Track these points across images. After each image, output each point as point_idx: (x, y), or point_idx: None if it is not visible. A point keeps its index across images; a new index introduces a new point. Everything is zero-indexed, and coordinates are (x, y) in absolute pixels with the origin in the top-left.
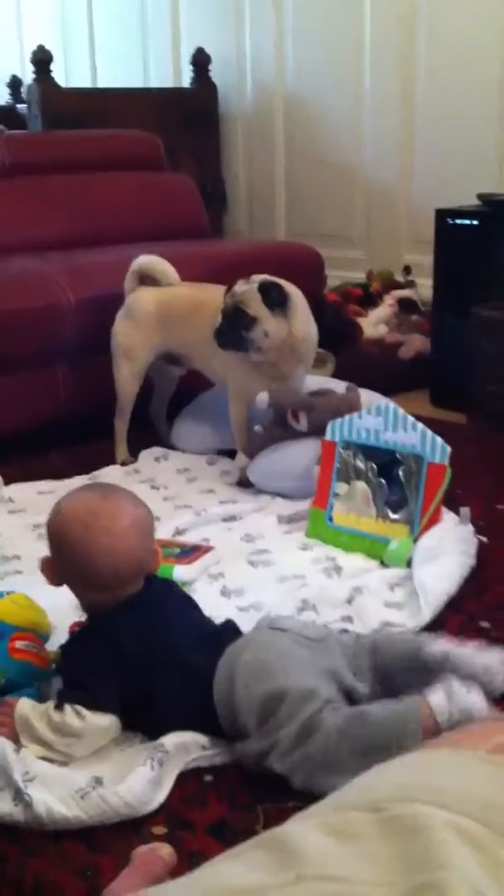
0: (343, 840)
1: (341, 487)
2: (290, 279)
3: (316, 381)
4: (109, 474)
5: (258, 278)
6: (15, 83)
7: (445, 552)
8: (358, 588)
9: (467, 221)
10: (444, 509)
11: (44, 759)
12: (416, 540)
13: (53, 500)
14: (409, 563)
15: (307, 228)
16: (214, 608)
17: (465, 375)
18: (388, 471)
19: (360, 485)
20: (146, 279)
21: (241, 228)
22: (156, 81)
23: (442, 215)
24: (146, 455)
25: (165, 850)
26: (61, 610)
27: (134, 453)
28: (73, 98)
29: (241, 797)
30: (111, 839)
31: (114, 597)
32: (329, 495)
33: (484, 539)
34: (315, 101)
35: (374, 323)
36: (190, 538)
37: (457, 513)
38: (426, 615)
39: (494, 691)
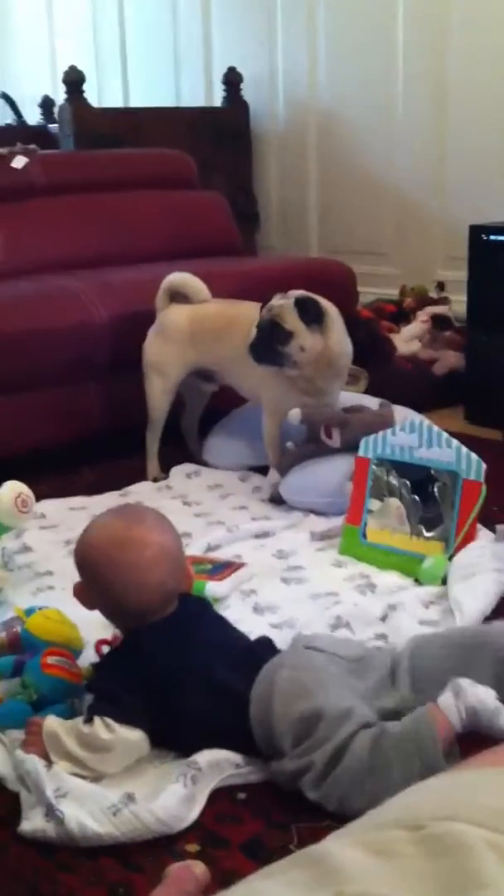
0: (382, 858)
1: (375, 504)
2: (323, 295)
3: (349, 398)
4: (141, 490)
5: (295, 293)
6: (47, 103)
7: (481, 570)
8: (392, 605)
9: (502, 237)
10: (479, 527)
11: (75, 775)
12: (451, 557)
13: (85, 515)
14: (444, 581)
15: (340, 245)
16: (247, 625)
17: (500, 392)
18: (422, 488)
19: (394, 501)
20: (178, 296)
21: (273, 245)
22: (187, 101)
23: (476, 231)
24: (178, 471)
25: (199, 868)
26: (93, 625)
27: (166, 469)
28: (105, 118)
29: (275, 815)
30: (144, 856)
31: (145, 621)
32: (362, 512)
33: None
34: (347, 118)
35: (408, 339)
36: (222, 554)
37: (492, 530)
38: None
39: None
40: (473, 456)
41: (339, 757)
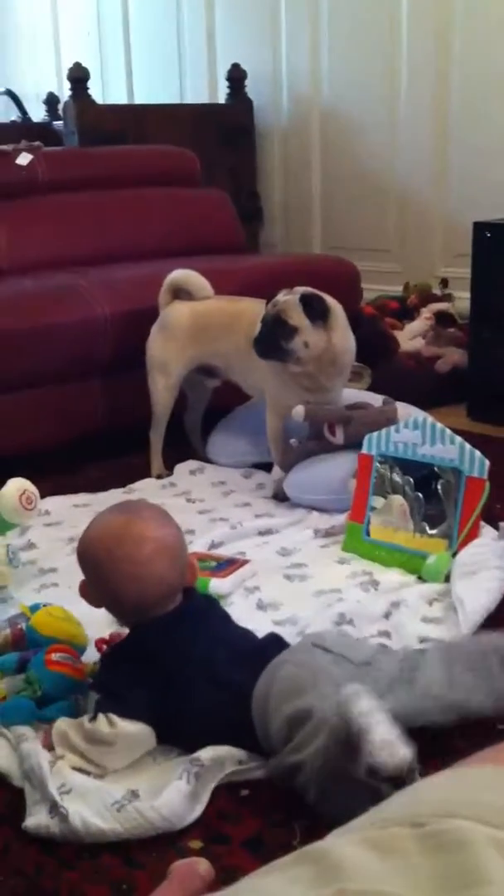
0: (384, 855)
1: (378, 501)
2: (326, 292)
3: (352, 395)
4: (145, 488)
5: (301, 290)
6: (52, 100)
7: (484, 567)
8: (395, 603)
9: None
10: (482, 524)
11: (79, 770)
12: (454, 555)
13: (89, 512)
14: (447, 579)
15: (343, 242)
16: (250, 622)
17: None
18: (426, 485)
19: (397, 499)
20: (181, 293)
21: (276, 242)
22: (191, 97)
23: (480, 228)
24: (182, 468)
25: (203, 866)
26: (97, 622)
27: (169, 466)
28: (110, 114)
29: (278, 812)
30: (147, 853)
31: (148, 616)
32: (366, 509)
33: None
34: (350, 116)
35: (411, 336)
36: (225, 552)
37: (496, 527)
38: (464, 631)
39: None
40: (477, 453)
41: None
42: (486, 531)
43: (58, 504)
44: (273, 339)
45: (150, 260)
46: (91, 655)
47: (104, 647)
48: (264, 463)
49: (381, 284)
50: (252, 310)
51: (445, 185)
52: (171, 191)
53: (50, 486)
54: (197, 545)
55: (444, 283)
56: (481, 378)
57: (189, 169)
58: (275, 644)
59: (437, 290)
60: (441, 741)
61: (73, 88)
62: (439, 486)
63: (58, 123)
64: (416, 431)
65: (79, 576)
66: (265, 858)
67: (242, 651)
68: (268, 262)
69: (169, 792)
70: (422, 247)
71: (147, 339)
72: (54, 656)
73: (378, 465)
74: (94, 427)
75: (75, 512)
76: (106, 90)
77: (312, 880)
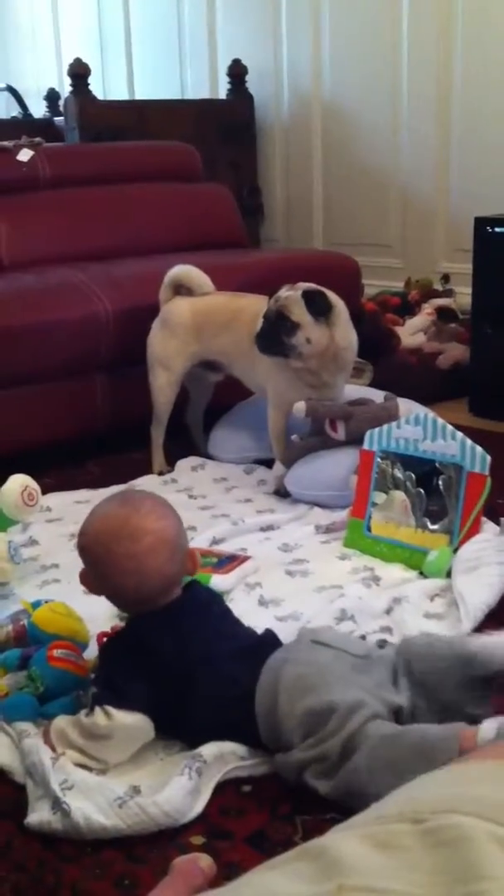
0: (385, 851)
1: (379, 497)
2: (328, 288)
3: (354, 391)
4: (146, 484)
5: (303, 285)
6: (52, 96)
7: (485, 563)
8: (397, 599)
9: None
10: (484, 519)
11: (80, 766)
12: (455, 550)
13: (91, 509)
14: (448, 574)
15: (344, 237)
16: (252, 618)
17: None
18: (427, 480)
19: (399, 494)
20: (181, 289)
21: (277, 238)
22: (192, 93)
23: (481, 223)
24: (183, 464)
25: (205, 861)
26: (99, 618)
27: (171, 462)
28: (111, 110)
29: (280, 808)
30: (149, 849)
31: (147, 607)
32: (367, 505)
33: None
34: (352, 111)
35: (412, 332)
36: (227, 548)
37: (497, 523)
38: (466, 626)
39: None
40: (478, 449)
41: (352, 746)
42: (488, 526)
43: (59, 500)
44: (275, 335)
45: (152, 256)
46: (93, 651)
47: (104, 640)
48: (266, 459)
49: (382, 280)
50: (254, 306)
51: (447, 180)
52: (172, 187)
53: (52, 482)
54: (198, 541)
55: (446, 278)
56: (483, 374)
57: (190, 165)
58: (271, 641)
59: (438, 286)
60: None
61: (73, 84)
62: (440, 482)
63: (59, 119)
64: (418, 427)
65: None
66: (267, 854)
67: (242, 646)
68: (269, 258)
69: (171, 788)
70: (423, 242)
71: (148, 335)
72: (56, 653)
73: (379, 460)
74: (95, 423)
75: (77, 508)
76: (107, 86)
77: (313, 876)
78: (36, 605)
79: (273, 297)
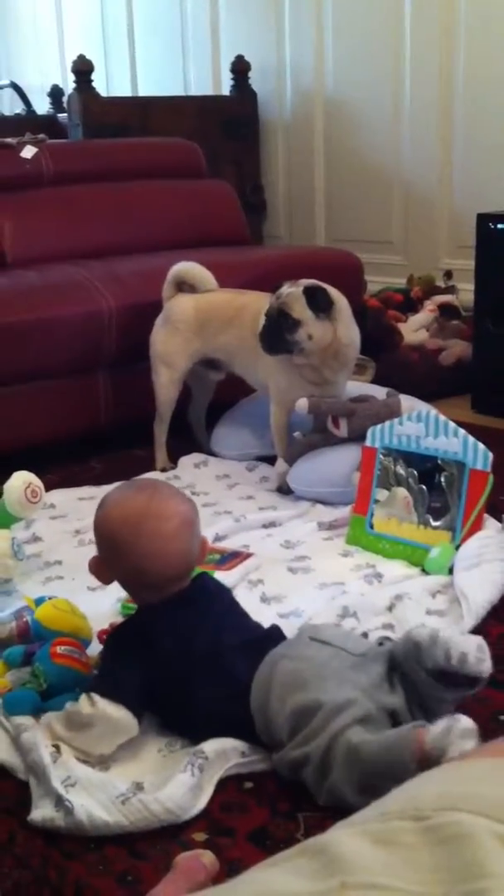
0: (387, 848)
1: (382, 494)
2: (330, 285)
3: (356, 388)
4: (156, 479)
5: (305, 282)
6: (56, 93)
7: (487, 560)
8: (399, 595)
9: None
10: (486, 516)
11: (80, 759)
12: (457, 547)
13: (94, 505)
14: (450, 571)
15: (347, 234)
16: (254, 615)
17: None
18: (430, 477)
19: (401, 491)
20: (184, 286)
21: (280, 235)
22: (196, 90)
23: (484, 219)
24: (186, 461)
25: (207, 858)
26: (103, 615)
27: (174, 459)
28: (114, 107)
29: (282, 804)
30: (152, 845)
31: (160, 595)
32: (369, 502)
33: None
34: (355, 107)
35: (415, 328)
36: (229, 544)
37: (499, 520)
38: (468, 623)
39: (468, 673)
40: (480, 445)
41: (332, 751)
42: (490, 523)
43: (63, 497)
44: (277, 333)
45: (155, 253)
46: (96, 648)
47: (105, 637)
48: (268, 456)
49: (385, 277)
50: (257, 303)
51: (450, 177)
52: (175, 183)
53: (55, 479)
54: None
55: (448, 275)
56: (485, 370)
57: (193, 161)
58: (276, 637)
59: (440, 283)
60: None
61: (77, 81)
62: (443, 479)
63: (62, 116)
64: (420, 424)
65: (83, 569)
66: (269, 851)
67: (247, 641)
68: (272, 255)
69: (173, 784)
70: (426, 239)
71: (151, 332)
72: (59, 649)
73: (382, 457)
74: (98, 420)
75: (80, 505)
76: (110, 83)
77: (315, 873)
78: (39, 601)
79: (275, 294)
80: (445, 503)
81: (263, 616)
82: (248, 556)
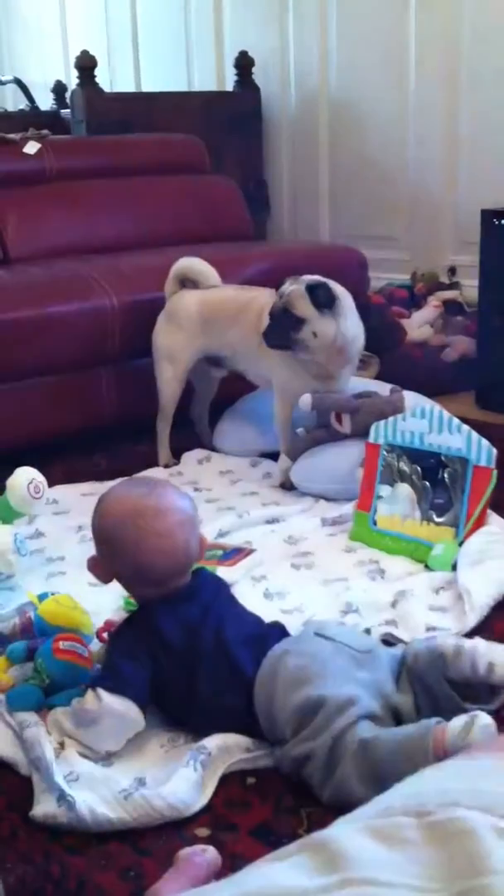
0: (388, 844)
1: (385, 490)
2: (334, 281)
3: (360, 384)
4: (152, 476)
5: (307, 278)
6: (59, 88)
7: (491, 556)
8: (402, 592)
9: None
10: (490, 512)
11: (82, 754)
12: (461, 543)
13: (97, 501)
14: (454, 567)
15: (351, 230)
16: (257, 610)
17: None
18: (433, 473)
19: (405, 487)
20: (187, 282)
21: (284, 230)
22: (199, 85)
23: (488, 215)
24: (189, 457)
25: (210, 853)
26: (105, 611)
27: (177, 455)
28: (117, 102)
29: (285, 800)
30: (154, 840)
31: (161, 591)
32: (373, 498)
33: None
34: (359, 103)
35: (419, 325)
36: (232, 540)
37: (503, 516)
38: (471, 619)
39: (496, 683)
40: (484, 442)
41: (338, 747)
42: (494, 519)
43: (66, 493)
44: (282, 331)
45: (158, 248)
46: (98, 644)
47: (104, 635)
48: (271, 452)
49: (389, 273)
50: (260, 299)
51: (454, 172)
52: (178, 179)
53: (58, 475)
54: (204, 534)
55: (452, 271)
56: (489, 366)
57: (197, 157)
58: (278, 632)
59: (444, 279)
60: None
61: (80, 77)
62: (446, 475)
63: (65, 112)
64: (424, 420)
65: (86, 564)
66: (272, 846)
67: (249, 633)
68: (275, 251)
69: (176, 780)
70: (430, 235)
71: (154, 328)
72: (62, 645)
73: (385, 453)
74: (102, 416)
75: (83, 501)
76: (114, 78)
77: (317, 868)
78: (42, 597)
79: (278, 291)
80: (449, 499)
81: (266, 612)
82: (251, 552)
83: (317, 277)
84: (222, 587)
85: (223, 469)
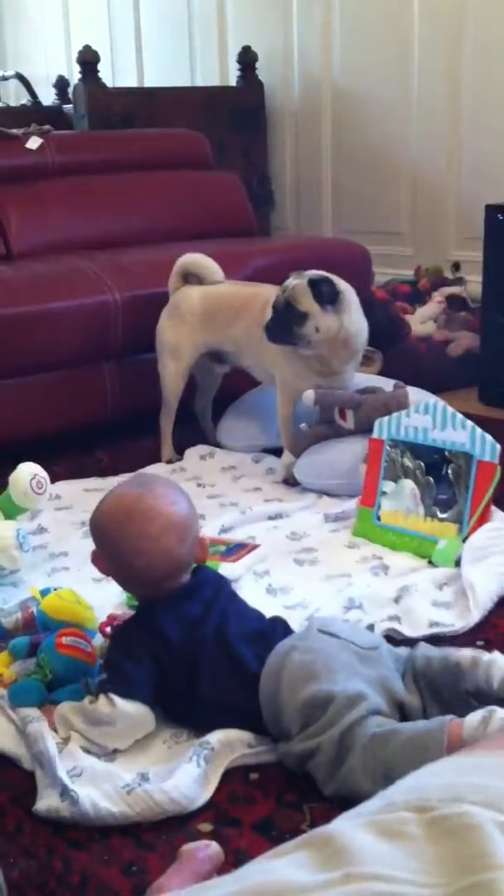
0: (391, 839)
1: (389, 486)
2: (338, 276)
3: (363, 379)
4: (155, 472)
5: (310, 273)
6: (62, 84)
7: (495, 552)
8: (406, 587)
9: None
10: (493, 508)
11: (85, 749)
12: (465, 539)
13: (100, 497)
14: (457, 563)
15: (354, 225)
16: (260, 606)
17: None
18: (437, 469)
19: (408, 483)
20: (191, 277)
21: (287, 225)
22: (202, 80)
23: (492, 211)
24: (192, 453)
25: (213, 848)
26: (108, 605)
27: (180, 451)
28: (120, 98)
29: (288, 795)
30: (157, 835)
31: (156, 591)
32: (376, 494)
33: None
34: (362, 98)
35: (422, 320)
36: (235, 536)
37: None
38: (475, 615)
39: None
40: (488, 437)
41: (346, 742)
42: (498, 515)
43: (68, 488)
44: (284, 326)
45: (161, 244)
46: (101, 638)
47: (107, 629)
48: (274, 447)
49: (393, 268)
50: (264, 295)
51: (458, 168)
52: (181, 174)
53: (61, 470)
54: (207, 530)
55: (456, 266)
56: (493, 362)
57: (200, 152)
58: (281, 628)
59: (448, 274)
60: None
61: (83, 72)
62: (450, 471)
63: (68, 107)
64: (427, 416)
65: (89, 560)
66: (275, 841)
67: (252, 629)
68: (279, 246)
69: (179, 775)
70: (434, 230)
71: (157, 323)
72: (65, 640)
73: (389, 449)
74: (105, 412)
75: (86, 496)
76: (116, 73)
77: (320, 864)
78: (45, 592)
79: (282, 286)
80: (453, 495)
81: (269, 608)
82: (255, 547)
83: (320, 272)
84: (224, 584)
85: (226, 465)
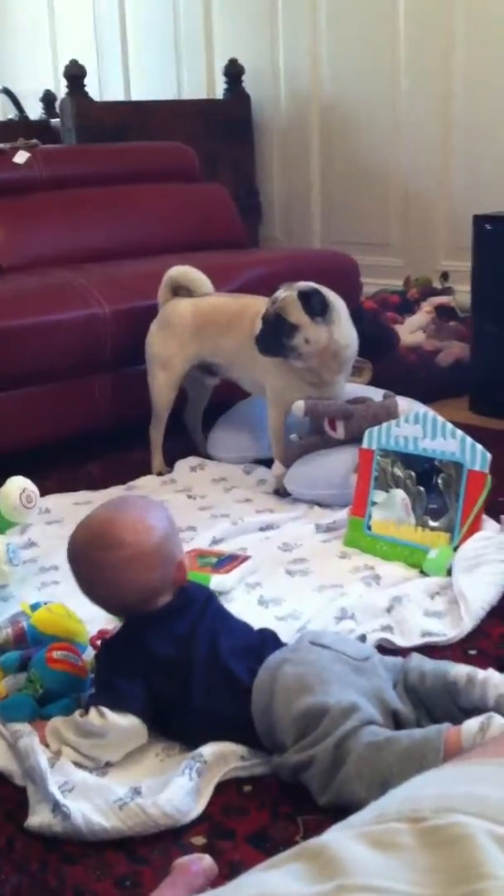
0: (384, 850)
1: (379, 496)
2: (327, 287)
3: (353, 389)
4: (146, 484)
5: (299, 285)
6: (49, 98)
7: (486, 561)
8: (398, 597)
9: None
10: (484, 517)
11: (77, 764)
12: (456, 548)
13: (90, 510)
14: (449, 572)
15: (344, 236)
16: (252, 618)
17: None
18: (427, 479)
19: (399, 493)
20: (180, 289)
21: (276, 237)
22: (189, 93)
23: (480, 221)
24: (182, 464)
25: (206, 861)
26: (98, 619)
27: (170, 463)
28: (107, 111)
29: (281, 807)
30: (151, 849)
31: (135, 611)
32: (367, 504)
33: None
34: (351, 109)
35: (412, 330)
36: (227, 547)
37: (498, 520)
38: (467, 624)
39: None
40: (478, 446)
41: (341, 752)
42: (489, 524)
43: (58, 502)
44: (275, 338)
45: (150, 256)
46: (92, 652)
47: (98, 643)
48: (265, 458)
49: (382, 279)
50: (254, 307)
51: (446, 178)
52: (169, 187)
53: (51, 483)
54: (198, 541)
55: (445, 276)
56: (483, 371)
57: (188, 165)
58: (271, 640)
59: (437, 284)
60: None
61: (69, 86)
62: (440, 480)
63: (55, 121)
64: (417, 425)
65: None
66: (269, 853)
67: (240, 644)
68: (268, 258)
69: (171, 788)
70: (423, 241)
71: (147, 335)
72: (55, 654)
73: (379, 459)
74: (94, 424)
75: (76, 510)
76: (103, 87)
77: (313, 876)
78: (35, 606)
79: (271, 297)
80: (443, 504)
81: (261, 619)
82: (246, 558)
83: (310, 284)
84: (211, 600)
85: (217, 476)
